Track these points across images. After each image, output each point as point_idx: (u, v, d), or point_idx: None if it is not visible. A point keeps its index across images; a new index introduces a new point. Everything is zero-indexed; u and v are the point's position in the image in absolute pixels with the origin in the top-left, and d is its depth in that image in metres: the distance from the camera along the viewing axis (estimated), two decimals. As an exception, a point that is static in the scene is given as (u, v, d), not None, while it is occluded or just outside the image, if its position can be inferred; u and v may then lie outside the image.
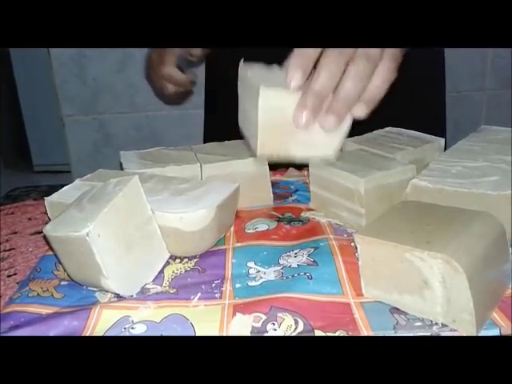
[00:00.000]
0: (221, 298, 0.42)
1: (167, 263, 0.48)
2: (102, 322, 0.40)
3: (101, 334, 0.39)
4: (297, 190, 0.64)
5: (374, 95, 0.45)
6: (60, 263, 0.46)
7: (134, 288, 0.44)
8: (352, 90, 0.43)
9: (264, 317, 0.40)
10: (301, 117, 0.43)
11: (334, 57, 0.43)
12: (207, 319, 0.40)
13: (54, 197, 0.52)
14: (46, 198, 0.52)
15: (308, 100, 0.43)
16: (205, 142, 0.73)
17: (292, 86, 0.43)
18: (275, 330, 0.39)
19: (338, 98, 0.43)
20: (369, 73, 0.44)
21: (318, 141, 0.46)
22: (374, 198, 0.52)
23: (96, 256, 0.40)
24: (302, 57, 0.44)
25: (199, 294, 0.42)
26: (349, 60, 0.43)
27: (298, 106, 0.44)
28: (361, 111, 0.45)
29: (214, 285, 0.44)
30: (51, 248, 0.46)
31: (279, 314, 0.40)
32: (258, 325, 0.39)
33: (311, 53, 0.44)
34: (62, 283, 0.46)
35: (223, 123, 0.83)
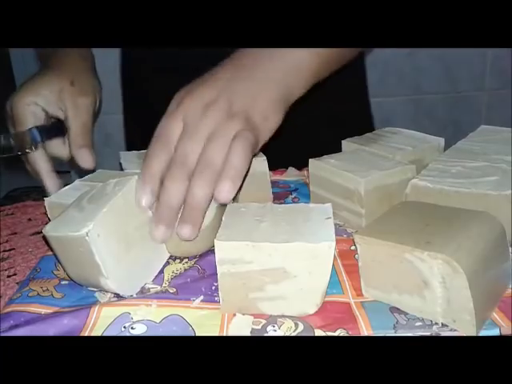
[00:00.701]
0: (221, 300, 0.42)
1: (167, 263, 0.48)
2: (101, 319, 0.40)
3: (101, 331, 0.39)
4: (296, 190, 0.64)
5: (232, 175, 0.43)
6: (60, 263, 0.46)
7: (133, 288, 0.44)
8: (201, 193, 0.43)
9: (264, 321, 0.40)
10: (157, 230, 0.44)
11: (176, 167, 0.44)
12: (207, 323, 0.40)
13: (54, 197, 0.52)
14: (45, 198, 0.52)
15: (161, 214, 0.44)
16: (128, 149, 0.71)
17: (143, 205, 0.44)
18: (275, 331, 0.39)
19: (188, 206, 0.44)
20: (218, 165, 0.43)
21: (294, 296, 0.39)
22: (374, 199, 0.51)
23: (95, 256, 0.40)
24: (148, 175, 0.44)
25: (201, 297, 0.42)
26: (193, 167, 0.44)
27: (155, 220, 0.44)
28: (224, 194, 0.43)
29: (213, 287, 0.44)
30: (51, 248, 0.46)
31: (279, 318, 0.40)
32: (258, 327, 0.39)
33: (156, 167, 0.44)
34: (62, 283, 0.46)
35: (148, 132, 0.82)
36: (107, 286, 0.42)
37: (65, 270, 0.46)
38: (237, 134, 0.44)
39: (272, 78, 0.50)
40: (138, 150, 0.63)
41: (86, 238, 0.40)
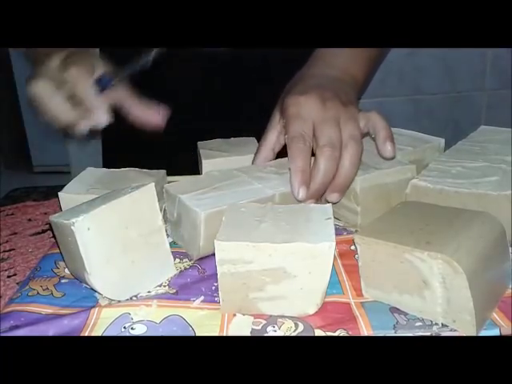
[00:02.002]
0: (221, 300, 0.42)
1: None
2: (101, 320, 0.40)
3: (101, 331, 0.39)
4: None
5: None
6: (60, 252, 0.46)
7: (123, 293, 0.43)
8: (352, 163, 0.50)
9: (264, 321, 0.40)
10: (301, 192, 0.49)
11: (326, 150, 0.49)
12: (207, 323, 0.40)
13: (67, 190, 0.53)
14: (59, 193, 0.52)
15: (314, 191, 0.49)
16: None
17: (301, 198, 0.49)
18: (275, 331, 0.39)
19: (339, 177, 0.50)
20: (360, 152, 0.51)
21: (294, 296, 0.39)
22: (371, 197, 0.52)
23: (80, 248, 0.40)
24: (300, 172, 0.49)
25: (201, 297, 0.42)
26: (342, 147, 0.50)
27: (309, 196, 0.49)
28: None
29: (213, 287, 0.44)
30: (54, 236, 0.45)
31: (279, 319, 0.40)
32: (258, 327, 0.39)
33: (303, 163, 0.50)
34: (62, 281, 0.46)
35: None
36: (90, 283, 0.42)
37: (63, 258, 0.46)
38: (360, 114, 0.54)
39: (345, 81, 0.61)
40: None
41: (72, 227, 0.39)
